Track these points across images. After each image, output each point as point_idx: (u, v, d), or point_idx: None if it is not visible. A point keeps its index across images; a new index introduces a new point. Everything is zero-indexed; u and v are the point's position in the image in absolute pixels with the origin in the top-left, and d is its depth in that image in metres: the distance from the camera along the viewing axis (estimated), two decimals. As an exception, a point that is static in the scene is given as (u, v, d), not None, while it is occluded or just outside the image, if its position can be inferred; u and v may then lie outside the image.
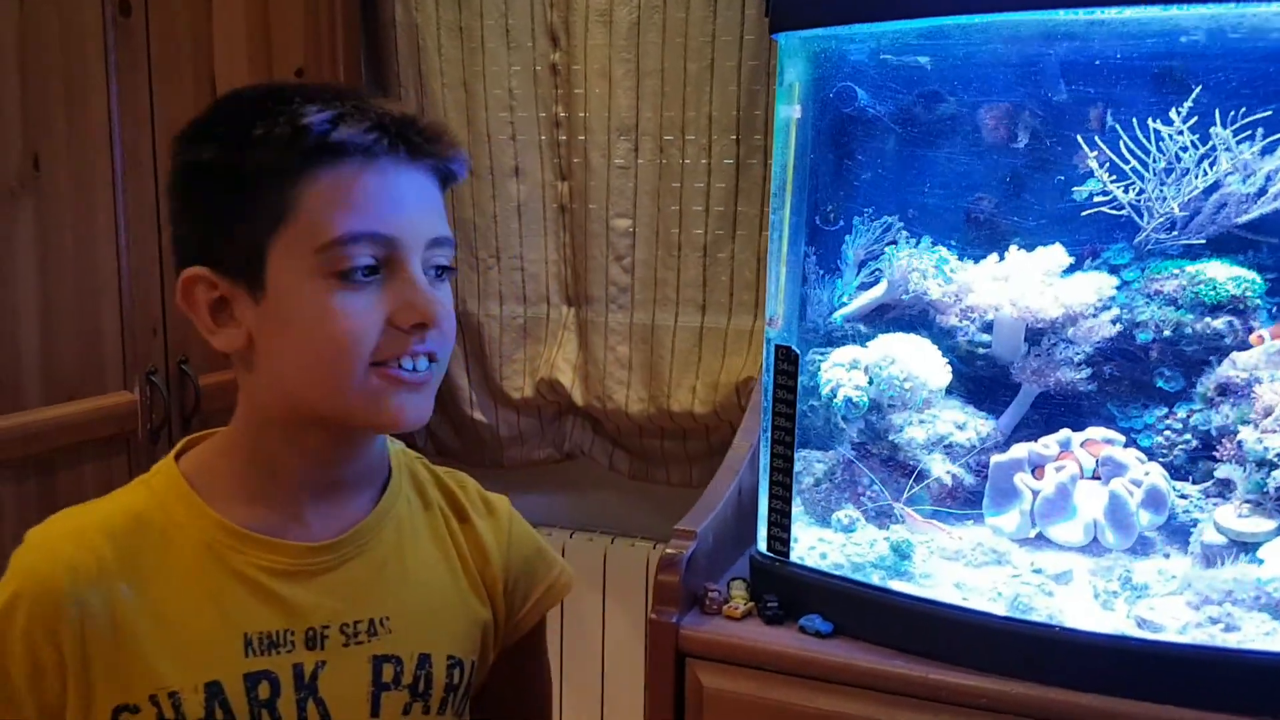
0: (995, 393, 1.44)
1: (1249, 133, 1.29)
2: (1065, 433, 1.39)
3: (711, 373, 2.06)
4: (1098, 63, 1.32)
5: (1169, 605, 1.19)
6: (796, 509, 1.37)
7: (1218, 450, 1.28)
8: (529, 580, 1.03)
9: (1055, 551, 1.33)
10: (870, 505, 1.41)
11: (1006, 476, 1.36)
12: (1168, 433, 1.36)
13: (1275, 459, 1.20)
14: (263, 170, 0.82)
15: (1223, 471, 1.27)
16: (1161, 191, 1.34)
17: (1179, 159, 1.32)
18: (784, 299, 1.43)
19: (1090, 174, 1.35)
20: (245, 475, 0.91)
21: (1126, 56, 1.30)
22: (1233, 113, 1.28)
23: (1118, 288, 1.39)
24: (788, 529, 1.35)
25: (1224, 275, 1.33)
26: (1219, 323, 1.32)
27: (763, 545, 1.39)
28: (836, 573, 1.33)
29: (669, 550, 1.35)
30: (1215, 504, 1.28)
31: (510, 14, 2.11)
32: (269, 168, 0.82)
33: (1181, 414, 1.35)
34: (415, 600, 0.94)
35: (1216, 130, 1.29)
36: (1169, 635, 1.16)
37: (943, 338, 1.45)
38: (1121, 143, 1.32)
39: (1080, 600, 1.25)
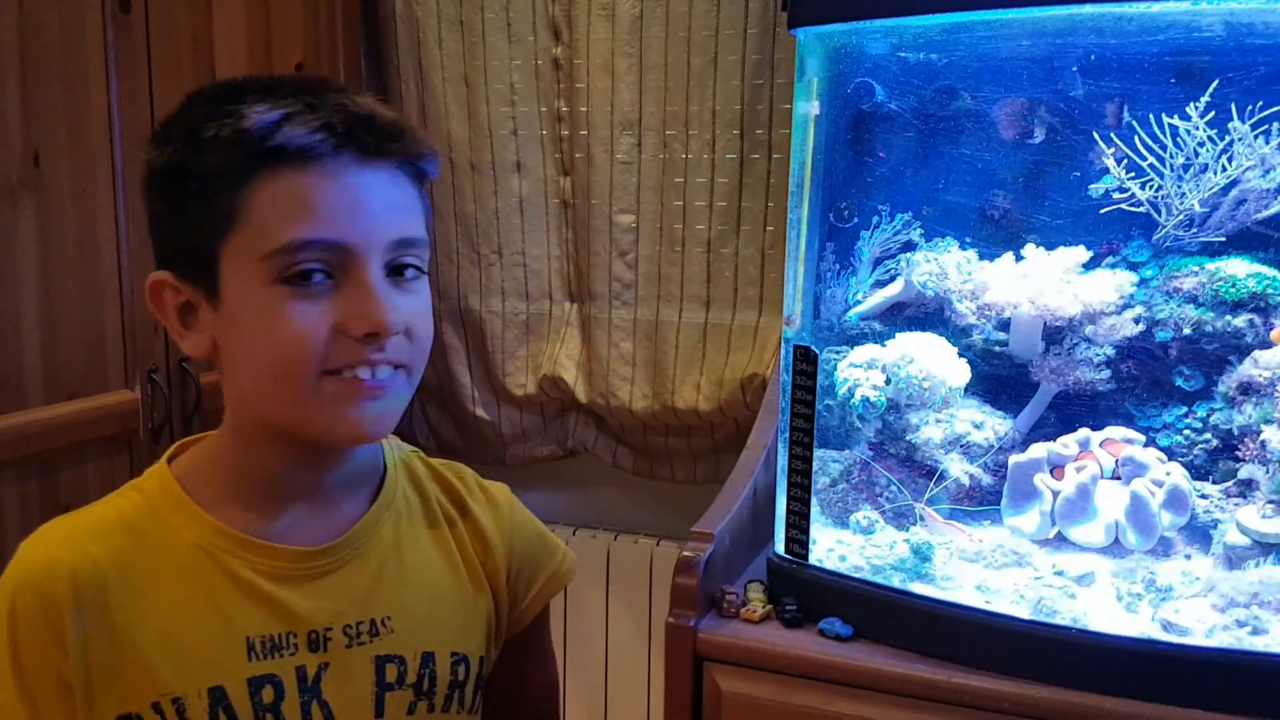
0: (1013, 392, 1.43)
1: (1265, 127, 1.28)
2: (1084, 432, 1.38)
3: (716, 369, 2.05)
4: (1116, 58, 1.31)
5: (1194, 608, 1.18)
6: (812, 510, 1.36)
7: (1240, 450, 1.27)
8: (531, 568, 1.02)
9: (1076, 553, 1.32)
10: (888, 506, 1.40)
11: (1026, 477, 1.35)
12: (1187, 432, 1.35)
13: (1300, 459, 1.20)
14: (211, 174, 0.79)
15: (1245, 471, 1.26)
16: (1180, 188, 1.32)
17: (1197, 154, 1.31)
18: (801, 297, 1.42)
19: (1107, 170, 1.34)
20: (235, 481, 0.89)
21: (1145, 52, 1.29)
22: (1249, 107, 1.27)
23: (1136, 285, 1.37)
24: (806, 531, 1.34)
25: (1244, 272, 1.32)
26: (1240, 320, 1.31)
27: (780, 548, 1.37)
28: (856, 575, 1.32)
29: (686, 553, 1.33)
30: (1236, 504, 1.27)
31: (511, 7, 2.09)
32: (216, 171, 0.79)
33: (1201, 413, 1.34)
34: (416, 599, 0.93)
35: (1235, 125, 1.28)
36: (1195, 639, 1.15)
37: (959, 336, 1.44)
38: (1138, 139, 1.31)
39: (1104, 603, 1.24)
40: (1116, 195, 1.34)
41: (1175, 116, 1.29)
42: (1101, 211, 1.35)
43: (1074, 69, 1.33)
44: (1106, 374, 1.37)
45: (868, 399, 1.38)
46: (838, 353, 1.45)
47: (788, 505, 1.36)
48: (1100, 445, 1.37)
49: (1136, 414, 1.38)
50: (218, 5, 1.81)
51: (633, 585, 2.17)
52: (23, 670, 0.83)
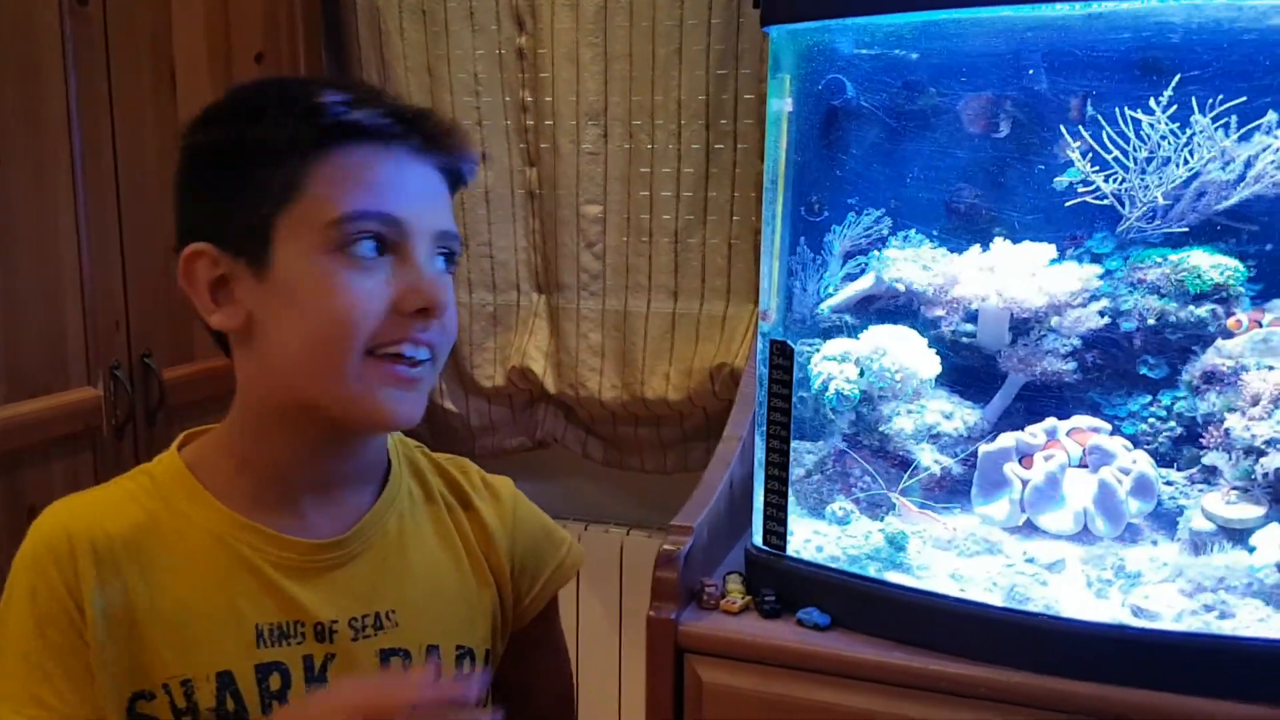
0: (981, 382, 1.45)
1: (1225, 120, 1.31)
2: (1052, 421, 1.40)
3: (685, 359, 2.05)
4: (1083, 54, 1.32)
5: (1163, 593, 1.21)
6: (789, 502, 1.37)
7: (1204, 437, 1.30)
8: (536, 561, 1.03)
9: (1046, 540, 1.35)
10: (862, 496, 1.42)
11: (996, 466, 1.37)
12: (1152, 420, 1.38)
13: (1263, 446, 1.23)
14: (275, 145, 0.83)
15: (1209, 459, 1.29)
16: (1144, 180, 1.35)
17: (1159, 148, 1.34)
18: (777, 293, 1.43)
19: (1072, 164, 1.36)
20: (245, 471, 0.90)
21: (1111, 48, 1.31)
22: (1210, 101, 1.29)
23: (1101, 277, 1.40)
24: (784, 523, 1.35)
25: (1207, 263, 1.35)
26: (1203, 311, 1.34)
27: (758, 539, 1.39)
28: (833, 565, 1.34)
29: (666, 546, 1.34)
30: (1201, 490, 1.30)
31: (474, -4, 2.07)
32: (282, 143, 0.83)
33: (1166, 401, 1.37)
34: (420, 593, 0.94)
35: (1196, 118, 1.31)
36: (1164, 623, 1.18)
37: (928, 328, 1.46)
38: (1104, 133, 1.33)
39: (1075, 589, 1.26)
40: (1081, 189, 1.36)
41: (1139, 111, 1.31)
42: (1067, 205, 1.38)
43: (1042, 65, 1.35)
44: (1073, 365, 1.40)
45: (841, 392, 1.39)
46: (810, 345, 1.46)
47: (765, 498, 1.37)
48: (1068, 434, 1.40)
49: (1103, 403, 1.41)
50: (176, -5, 1.78)
51: (603, 575, 2.18)
52: (45, 638, 0.82)
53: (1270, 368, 1.26)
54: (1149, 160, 1.34)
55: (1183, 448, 1.35)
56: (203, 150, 0.86)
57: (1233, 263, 1.35)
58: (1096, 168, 1.35)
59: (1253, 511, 1.22)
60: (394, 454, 0.98)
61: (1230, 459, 1.27)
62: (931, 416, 1.44)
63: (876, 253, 1.46)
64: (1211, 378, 1.32)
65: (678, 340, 2.07)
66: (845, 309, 1.49)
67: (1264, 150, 1.29)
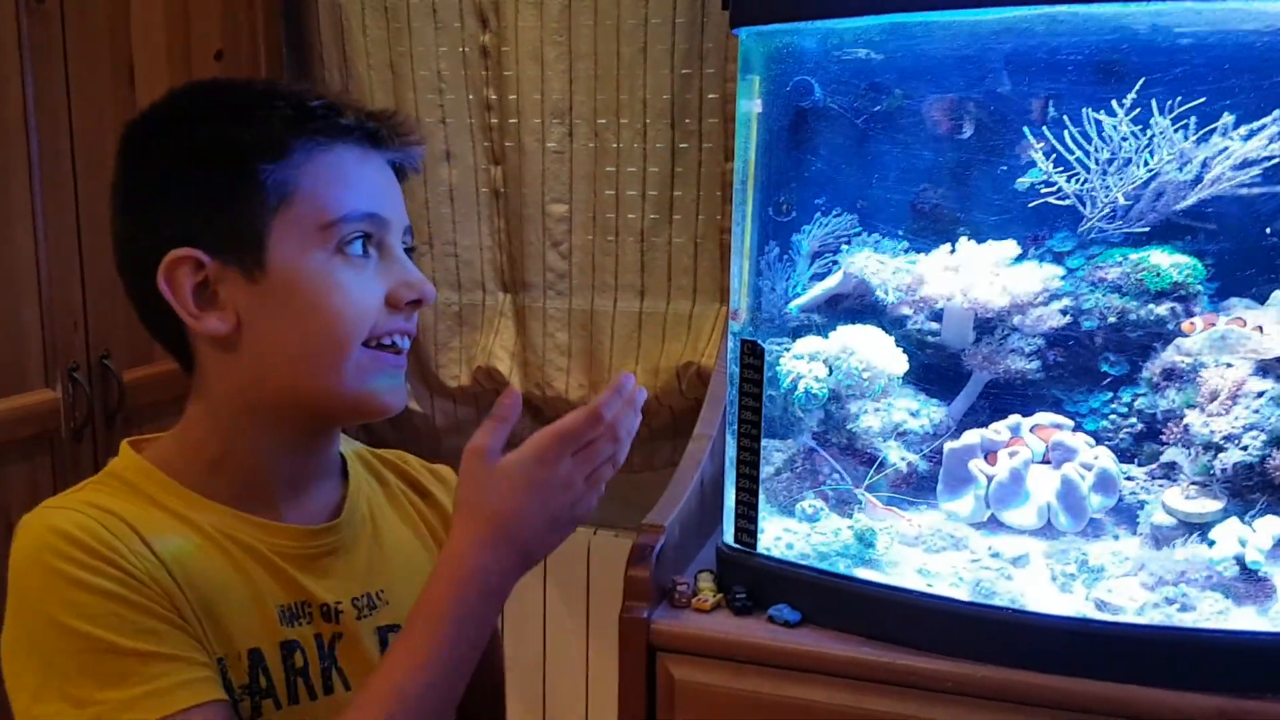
0: (947, 380, 1.47)
1: (1184, 122, 1.33)
2: (1015, 418, 1.42)
3: (651, 358, 2.06)
4: (1047, 57, 1.34)
5: (1125, 586, 1.23)
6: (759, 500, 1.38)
7: (1164, 433, 1.33)
8: None
9: (1011, 535, 1.37)
10: (831, 492, 1.43)
11: (961, 463, 1.39)
12: (1113, 417, 1.40)
13: (1221, 442, 1.25)
14: (264, 148, 0.84)
15: (1169, 454, 1.32)
16: (1105, 181, 1.37)
17: (1120, 149, 1.36)
18: (747, 293, 1.44)
19: (1034, 164, 1.38)
20: (221, 471, 0.91)
21: (1075, 51, 1.33)
22: (1170, 103, 1.32)
23: (1063, 276, 1.42)
24: (755, 521, 1.36)
25: (1167, 262, 1.37)
26: (1162, 309, 1.37)
27: (729, 537, 1.40)
28: (803, 562, 1.35)
29: (639, 544, 1.35)
30: (1162, 486, 1.33)
31: (438, -7, 2.06)
32: (271, 146, 0.84)
33: (1126, 398, 1.40)
34: (401, 574, 0.99)
35: (1156, 120, 1.33)
36: (1127, 616, 1.20)
37: (894, 326, 1.47)
38: (1067, 134, 1.36)
39: (1039, 583, 1.29)
40: (1044, 189, 1.38)
41: (1102, 112, 1.34)
42: (1030, 205, 1.40)
43: (1008, 69, 1.37)
44: (1036, 363, 1.42)
45: (810, 390, 1.41)
46: (779, 344, 1.47)
47: (736, 496, 1.38)
48: (1031, 430, 1.42)
49: (1065, 400, 1.43)
50: (135, -8, 1.76)
51: (567, 572, 2.18)
52: (129, 602, 0.79)
53: (1228, 365, 1.29)
54: (1110, 161, 1.36)
55: (1143, 444, 1.37)
56: (180, 153, 0.86)
57: (1192, 261, 1.37)
58: (1059, 168, 1.37)
59: (1211, 506, 1.25)
60: (344, 449, 1.03)
61: (1189, 454, 1.29)
62: (898, 414, 1.45)
63: (845, 246, 1.48)
64: (1171, 375, 1.34)
65: (645, 339, 2.07)
66: (813, 308, 1.50)
67: (1220, 153, 1.32)
